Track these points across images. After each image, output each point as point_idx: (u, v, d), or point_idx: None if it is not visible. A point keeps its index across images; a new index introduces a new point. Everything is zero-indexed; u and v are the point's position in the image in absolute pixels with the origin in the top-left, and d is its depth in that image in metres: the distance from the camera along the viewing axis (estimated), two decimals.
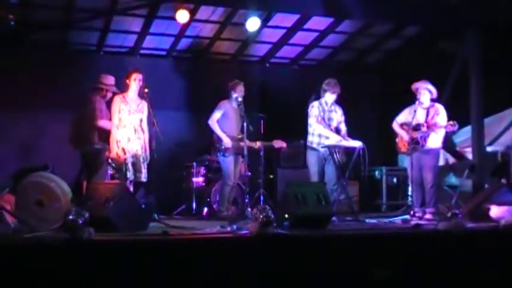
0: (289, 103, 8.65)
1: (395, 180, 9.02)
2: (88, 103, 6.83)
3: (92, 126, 6.66)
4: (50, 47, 8.68)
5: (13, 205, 4.94)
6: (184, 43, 9.15)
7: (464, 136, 8.17)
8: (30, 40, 8.38)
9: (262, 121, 8.10)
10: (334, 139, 6.55)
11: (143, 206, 5.89)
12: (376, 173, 9.12)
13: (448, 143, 7.89)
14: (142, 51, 9.23)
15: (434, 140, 6.66)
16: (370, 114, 9.38)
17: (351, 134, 6.75)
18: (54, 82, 8.27)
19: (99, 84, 6.80)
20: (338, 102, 6.83)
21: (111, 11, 7.95)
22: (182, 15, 7.65)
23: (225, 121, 7.10)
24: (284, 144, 7.48)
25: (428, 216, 6.36)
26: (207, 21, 8.53)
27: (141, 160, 6.33)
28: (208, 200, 7.81)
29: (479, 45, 7.80)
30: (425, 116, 6.70)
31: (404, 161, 7.32)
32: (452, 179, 8.23)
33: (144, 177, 6.34)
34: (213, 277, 4.01)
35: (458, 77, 8.28)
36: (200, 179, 8.19)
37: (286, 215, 5.02)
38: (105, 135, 6.53)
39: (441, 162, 8.15)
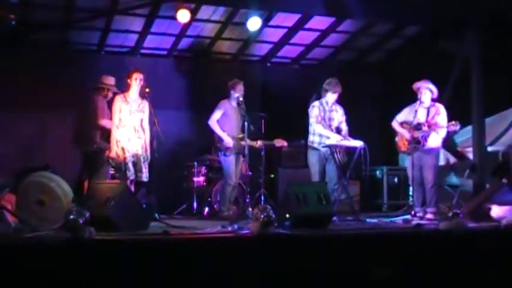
0: (290, 103, 8.65)
1: (396, 180, 9.02)
2: (89, 103, 6.86)
3: (93, 126, 6.70)
4: (51, 46, 8.68)
5: (14, 205, 4.95)
6: (185, 43, 9.15)
7: (465, 136, 8.17)
8: (31, 40, 8.39)
9: (263, 121, 8.10)
10: (334, 139, 6.55)
11: (144, 205, 5.89)
12: (377, 172, 9.12)
13: (449, 143, 7.89)
14: (143, 51, 9.24)
15: (435, 140, 6.66)
16: (371, 113, 9.38)
17: (352, 134, 6.75)
18: (55, 82, 8.28)
19: (100, 84, 6.83)
20: (339, 101, 6.83)
21: (111, 10, 7.95)
22: (183, 15, 7.65)
23: (225, 121, 7.09)
24: (285, 143, 7.48)
25: (429, 216, 6.36)
26: (208, 20, 8.53)
27: (142, 160, 6.34)
28: (209, 199, 7.81)
29: (480, 44, 7.79)
30: (426, 116, 6.69)
31: (405, 161, 7.31)
32: (453, 179, 8.23)
33: (145, 176, 6.34)
34: (213, 277, 4.01)
35: (459, 76, 8.27)
36: (201, 179, 8.19)
37: (287, 215, 5.02)
38: (107, 134, 6.55)
39: (442, 162, 8.15)
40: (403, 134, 6.79)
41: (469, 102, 7.79)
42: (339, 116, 6.80)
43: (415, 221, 5.94)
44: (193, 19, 8.07)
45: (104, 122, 6.68)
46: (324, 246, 4.45)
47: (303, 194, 5.12)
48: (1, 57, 7.87)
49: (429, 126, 6.63)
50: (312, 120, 6.68)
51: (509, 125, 8.30)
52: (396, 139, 6.99)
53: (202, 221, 6.69)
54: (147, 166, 6.38)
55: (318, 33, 9.15)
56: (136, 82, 6.41)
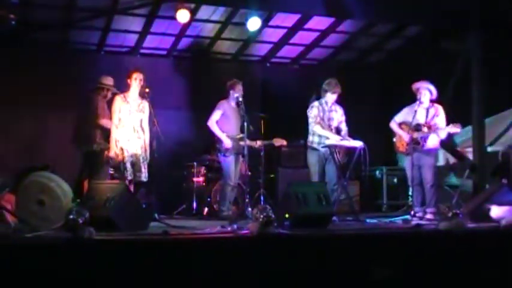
0: (290, 103, 8.64)
1: (395, 180, 9.03)
2: (89, 103, 6.89)
3: (93, 125, 6.71)
4: (51, 46, 8.69)
5: (14, 204, 4.95)
6: (184, 43, 9.16)
7: (465, 136, 8.17)
8: (31, 40, 8.39)
9: (262, 121, 8.10)
10: (334, 139, 6.55)
11: (144, 205, 5.89)
12: (377, 172, 9.12)
13: (449, 143, 7.89)
14: (142, 51, 9.24)
15: (434, 140, 6.67)
16: (371, 114, 9.38)
17: (352, 134, 6.75)
18: (55, 81, 8.29)
19: (99, 84, 6.86)
20: (339, 102, 6.83)
21: (111, 10, 7.96)
22: (183, 15, 7.66)
23: (224, 121, 7.09)
24: (284, 142, 7.47)
25: (429, 216, 6.36)
26: (207, 20, 8.54)
27: (141, 160, 6.33)
28: (209, 199, 7.82)
29: (480, 45, 7.79)
30: (425, 117, 6.69)
31: (403, 161, 7.31)
32: (453, 179, 8.23)
33: (144, 177, 6.34)
34: (213, 277, 4.01)
35: (459, 77, 8.27)
36: (201, 179, 8.20)
37: (287, 215, 5.02)
38: (107, 134, 6.55)
39: (442, 162, 8.16)
40: (402, 135, 6.78)
41: (469, 102, 7.79)
42: (338, 116, 6.80)
43: (415, 221, 5.94)
44: (193, 19, 8.07)
45: (104, 122, 6.70)
46: (324, 246, 4.45)
47: (303, 194, 5.12)
48: (1, 57, 7.88)
49: (429, 128, 6.63)
50: (311, 120, 6.68)
51: (509, 125, 8.30)
52: (394, 139, 6.98)
53: (201, 221, 6.69)
54: (146, 166, 6.38)
55: (317, 34, 9.16)
56: (136, 82, 6.41)
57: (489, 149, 8.02)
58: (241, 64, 9.84)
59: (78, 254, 3.82)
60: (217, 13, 8.32)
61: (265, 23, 8.50)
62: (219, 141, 7.05)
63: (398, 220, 6.42)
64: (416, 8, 7.62)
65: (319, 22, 8.75)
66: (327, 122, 6.69)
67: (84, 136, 6.80)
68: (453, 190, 7.65)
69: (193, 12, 7.87)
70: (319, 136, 6.60)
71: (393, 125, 6.92)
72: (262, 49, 9.68)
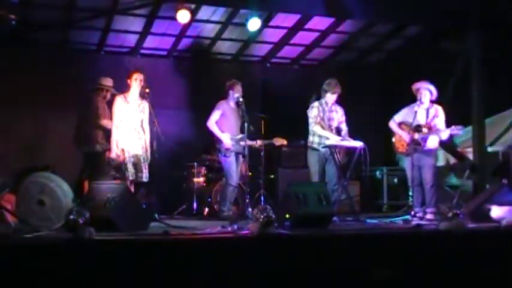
0: (290, 103, 8.64)
1: (396, 180, 9.02)
2: (89, 103, 6.90)
3: (94, 126, 6.73)
4: (51, 46, 8.69)
5: (14, 205, 4.95)
6: (185, 43, 9.16)
7: (465, 136, 8.16)
8: (31, 40, 8.40)
9: (263, 121, 8.10)
10: (334, 139, 6.55)
11: (144, 206, 5.89)
12: (377, 173, 9.12)
13: (450, 144, 7.89)
14: (143, 51, 9.25)
15: (433, 141, 6.67)
16: (371, 114, 9.38)
17: (352, 134, 6.75)
18: (55, 82, 8.29)
19: (98, 85, 6.87)
20: (339, 102, 6.83)
21: (112, 10, 7.96)
22: (183, 15, 7.66)
23: (224, 121, 7.09)
24: (284, 142, 7.46)
25: (429, 216, 6.36)
26: (208, 21, 8.54)
27: (142, 160, 6.34)
28: (209, 200, 7.81)
29: (480, 45, 7.80)
30: (426, 117, 6.69)
31: (403, 161, 7.31)
32: (453, 179, 8.23)
33: (145, 177, 6.34)
34: (213, 277, 4.01)
35: (459, 77, 8.27)
36: (201, 179, 8.19)
37: (287, 215, 5.01)
38: (108, 134, 6.56)
39: (442, 163, 8.16)
40: (402, 135, 6.78)
41: (469, 102, 7.80)
42: (338, 116, 6.80)
43: (415, 222, 5.94)
44: (193, 19, 8.07)
45: (105, 122, 6.71)
46: (324, 246, 4.45)
47: (303, 194, 5.12)
48: (1, 57, 7.88)
49: (429, 129, 6.62)
50: (311, 120, 6.68)
51: (509, 125, 8.30)
52: (393, 139, 6.97)
53: (202, 222, 6.68)
54: (147, 166, 6.38)
55: (317, 34, 9.16)
56: (136, 82, 6.41)
57: (489, 149, 8.02)
58: (241, 64, 9.84)
59: (79, 254, 3.82)
60: (218, 13, 8.32)
61: (265, 24, 8.50)
62: (219, 141, 7.05)
63: (399, 220, 6.42)
64: (416, 8, 7.63)
65: (319, 22, 8.76)
66: (327, 122, 6.69)
67: (85, 136, 6.81)
68: (453, 190, 7.65)
69: (193, 12, 7.87)
70: (320, 136, 6.60)
71: (392, 124, 6.91)
72: (262, 49, 9.69)
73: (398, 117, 6.89)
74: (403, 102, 6.97)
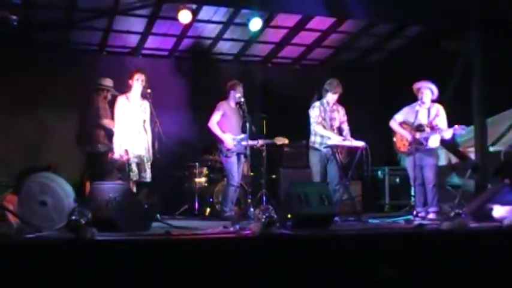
0: (292, 103, 8.65)
1: (398, 180, 9.01)
2: (90, 103, 6.90)
3: (96, 126, 6.73)
4: (52, 47, 8.71)
5: (16, 205, 4.95)
6: (186, 43, 9.16)
7: (467, 136, 8.15)
8: (33, 40, 8.41)
9: (264, 121, 8.10)
10: (335, 139, 6.55)
11: (146, 206, 5.89)
12: (379, 173, 9.12)
13: (452, 143, 7.88)
14: (144, 52, 9.25)
15: (435, 140, 6.67)
16: (372, 114, 9.37)
17: (353, 134, 6.75)
18: (57, 82, 8.30)
19: (98, 85, 6.88)
20: (340, 102, 6.83)
21: (113, 11, 7.96)
22: (184, 16, 7.66)
23: (225, 122, 7.09)
24: (286, 141, 7.45)
25: (431, 216, 6.36)
26: (209, 21, 8.54)
27: (145, 160, 6.34)
28: (211, 200, 7.81)
29: (481, 45, 7.78)
30: (427, 117, 6.69)
31: (405, 161, 7.31)
32: (455, 179, 8.22)
33: (148, 177, 6.34)
34: (215, 277, 4.01)
35: (460, 76, 8.26)
36: (203, 179, 8.19)
37: (289, 215, 5.01)
38: (110, 134, 6.56)
39: (444, 162, 8.14)
40: (404, 135, 6.77)
41: (470, 102, 7.79)
42: (340, 116, 6.80)
43: (417, 221, 5.94)
44: (194, 20, 8.07)
45: (106, 122, 6.71)
46: (326, 246, 4.44)
47: (305, 194, 5.12)
48: (3, 58, 7.90)
49: (431, 128, 6.62)
50: (312, 120, 6.69)
51: (511, 124, 8.28)
52: (394, 139, 6.97)
53: (204, 222, 6.68)
54: (149, 166, 6.38)
55: (318, 34, 9.16)
56: (138, 83, 6.41)
57: (491, 148, 8.01)
58: (242, 65, 9.84)
59: (80, 254, 3.82)
60: (219, 14, 8.32)
61: (267, 24, 8.50)
62: (221, 141, 7.06)
63: (401, 220, 6.42)
64: (416, 8, 7.62)
65: (320, 22, 8.75)
66: (328, 122, 6.69)
67: (86, 137, 6.81)
68: (455, 190, 7.65)
69: (194, 12, 7.87)
70: (321, 136, 6.60)
71: (393, 124, 6.90)
72: (263, 49, 9.69)
73: (399, 116, 6.89)
74: (404, 102, 6.97)
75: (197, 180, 8.10)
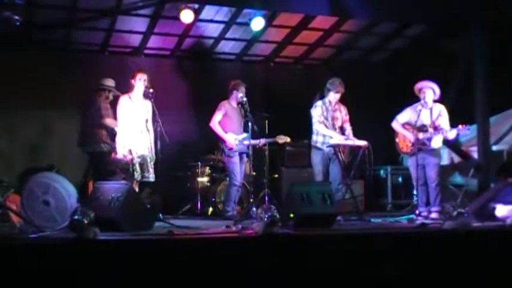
0: (294, 102, 8.64)
1: (400, 179, 8.99)
2: (92, 103, 6.92)
3: (98, 125, 6.75)
4: (55, 47, 8.71)
5: (19, 205, 4.96)
6: (188, 43, 9.15)
7: (470, 135, 8.14)
8: (35, 40, 8.42)
9: (266, 121, 8.10)
10: (337, 139, 6.55)
11: (148, 206, 5.89)
12: (381, 172, 9.10)
13: (454, 142, 7.87)
14: (146, 51, 9.25)
15: (438, 140, 6.67)
16: (375, 113, 9.36)
17: (355, 133, 6.75)
18: (59, 82, 8.30)
19: (100, 86, 6.89)
20: (342, 101, 6.82)
21: (115, 11, 7.96)
22: (186, 15, 7.67)
23: (226, 121, 7.10)
24: (288, 139, 7.44)
25: (433, 215, 6.35)
26: (211, 21, 8.53)
27: (148, 160, 6.34)
28: (213, 199, 7.82)
29: (484, 43, 7.77)
30: (430, 117, 6.68)
31: (407, 161, 7.30)
32: (458, 178, 8.20)
33: (152, 177, 6.33)
34: (217, 277, 4.01)
35: (463, 76, 8.24)
36: (205, 179, 8.19)
37: (291, 215, 5.02)
38: (112, 134, 6.56)
39: (446, 162, 8.13)
40: (406, 136, 6.76)
41: (473, 101, 7.77)
42: (342, 115, 6.80)
43: (420, 221, 5.94)
44: (196, 19, 8.07)
45: (108, 121, 6.73)
46: (328, 246, 4.45)
47: (307, 193, 5.12)
48: (5, 58, 7.90)
49: (434, 128, 6.61)
50: (314, 120, 6.69)
51: None
52: (397, 140, 6.96)
53: (206, 221, 6.69)
54: (152, 166, 6.38)
55: (321, 33, 9.15)
56: (140, 82, 6.41)
57: (494, 148, 8.00)
58: (244, 64, 9.84)
59: (83, 254, 3.83)
60: (221, 13, 8.32)
61: (269, 23, 8.49)
62: (223, 141, 7.06)
63: (403, 220, 6.41)
64: (419, 7, 7.61)
65: (323, 21, 8.74)
66: (331, 122, 6.69)
67: (89, 136, 6.82)
68: (458, 189, 7.62)
69: (196, 12, 7.87)
70: (323, 135, 6.60)
71: (396, 125, 6.90)
72: (265, 49, 9.68)
73: (401, 117, 6.88)
74: (406, 102, 6.96)
75: (199, 179, 8.11)
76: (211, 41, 9.21)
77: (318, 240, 4.51)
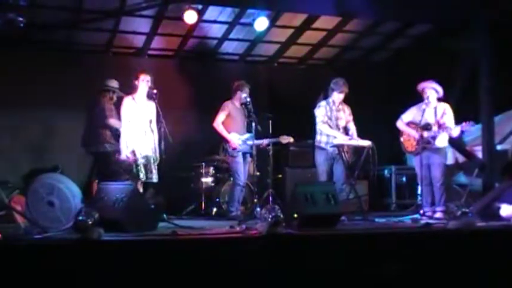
0: (297, 103, 8.64)
1: (404, 179, 8.98)
2: (96, 104, 6.94)
3: (102, 126, 6.76)
4: (59, 48, 8.73)
5: (23, 206, 4.98)
6: (192, 43, 9.16)
7: (474, 134, 8.12)
8: (39, 41, 8.44)
9: (270, 121, 8.09)
10: (341, 138, 6.55)
11: (152, 206, 5.90)
12: (385, 172, 9.09)
13: (459, 142, 7.85)
14: (150, 52, 9.26)
15: (443, 139, 6.65)
16: (378, 113, 9.35)
17: (359, 133, 6.74)
18: (63, 83, 8.31)
19: (104, 87, 6.91)
20: (346, 101, 6.82)
21: (119, 11, 7.98)
22: (190, 16, 7.67)
23: (230, 122, 7.10)
24: (291, 139, 7.43)
25: (438, 215, 6.34)
26: (214, 21, 8.54)
27: (152, 161, 6.35)
28: (218, 200, 7.82)
29: (488, 43, 7.75)
30: (434, 116, 6.67)
31: (412, 160, 7.29)
32: (462, 178, 8.19)
33: (155, 178, 6.35)
34: (221, 277, 4.01)
35: (467, 75, 8.22)
36: (209, 179, 8.19)
37: (295, 215, 5.02)
38: (116, 135, 6.58)
39: (451, 161, 8.11)
40: (411, 134, 6.76)
41: (477, 101, 7.75)
42: (346, 115, 6.80)
43: (424, 220, 5.93)
44: (200, 20, 8.08)
45: (112, 122, 6.74)
46: (332, 246, 4.45)
47: (311, 193, 5.12)
48: (10, 58, 7.93)
49: (439, 127, 6.61)
50: (318, 120, 6.69)
51: None
52: (401, 139, 6.96)
53: (210, 222, 6.69)
54: (156, 167, 6.39)
55: (324, 33, 9.14)
56: (143, 83, 6.42)
57: (498, 147, 7.98)
58: (248, 64, 9.84)
59: (87, 254, 3.84)
60: (225, 14, 8.32)
61: (272, 23, 8.49)
62: (226, 141, 7.07)
63: (407, 219, 6.40)
64: (422, 7, 7.59)
65: (326, 21, 8.74)
66: (334, 122, 6.69)
67: (93, 137, 6.84)
68: (462, 189, 7.61)
69: (200, 13, 7.88)
70: (327, 135, 6.60)
71: (400, 124, 6.90)
72: (269, 49, 9.68)
73: (406, 116, 6.88)
74: (410, 101, 6.95)
75: (203, 180, 8.11)
76: (214, 42, 9.22)
77: (322, 241, 4.51)
